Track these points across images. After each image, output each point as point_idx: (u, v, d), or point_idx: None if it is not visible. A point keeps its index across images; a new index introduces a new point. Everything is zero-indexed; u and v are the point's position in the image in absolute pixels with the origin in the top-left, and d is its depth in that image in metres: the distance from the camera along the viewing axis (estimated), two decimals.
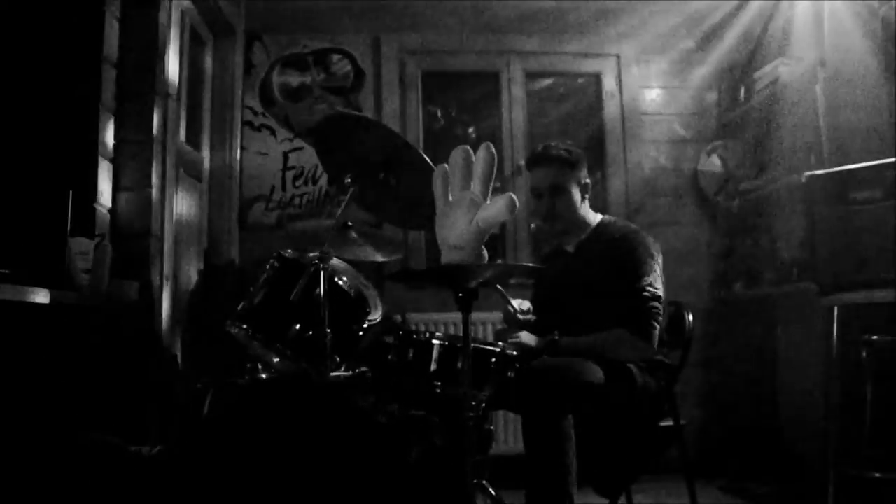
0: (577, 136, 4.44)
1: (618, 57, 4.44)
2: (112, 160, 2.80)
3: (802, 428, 3.56)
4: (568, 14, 4.42)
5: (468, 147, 1.87)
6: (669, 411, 2.60)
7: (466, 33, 4.39)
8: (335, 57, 4.36)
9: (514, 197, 1.68)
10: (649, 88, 4.46)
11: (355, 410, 1.98)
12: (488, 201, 1.84)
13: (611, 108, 4.44)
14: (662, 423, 2.61)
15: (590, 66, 4.49)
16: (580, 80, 4.64)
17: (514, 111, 4.42)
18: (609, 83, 4.45)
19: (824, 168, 3.16)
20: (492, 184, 1.85)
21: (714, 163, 4.26)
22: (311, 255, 2.38)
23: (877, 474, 2.86)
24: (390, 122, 4.19)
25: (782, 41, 3.87)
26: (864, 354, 3.02)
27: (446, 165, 1.89)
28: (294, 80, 4.31)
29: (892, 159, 2.90)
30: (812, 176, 3.04)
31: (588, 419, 2.35)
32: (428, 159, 2.31)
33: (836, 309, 2.93)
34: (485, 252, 1.85)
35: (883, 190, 2.81)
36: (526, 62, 4.46)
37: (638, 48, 4.43)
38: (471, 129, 4.79)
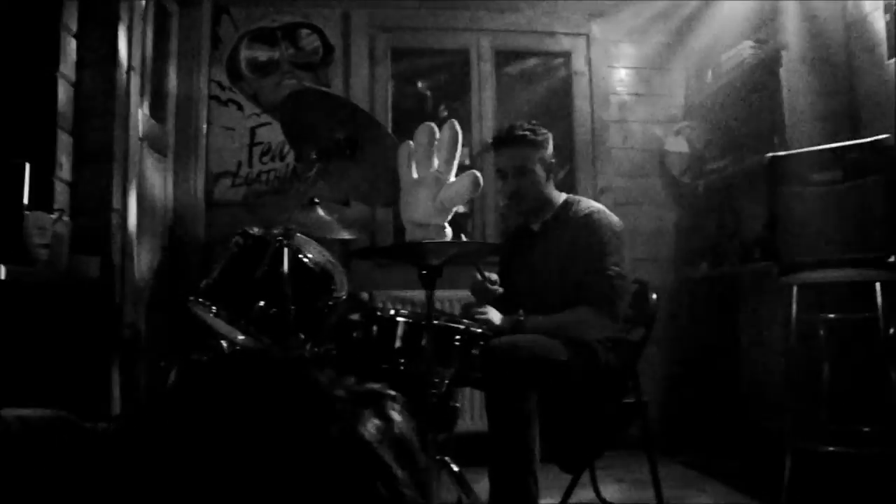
0: (546, 114, 4.44)
1: (587, 36, 4.45)
2: (72, 132, 2.73)
3: (764, 404, 3.63)
4: None
5: (433, 125, 1.87)
6: (632, 388, 2.64)
7: (437, 9, 4.37)
8: (304, 31, 4.31)
9: (478, 175, 1.69)
10: (618, 68, 4.47)
11: (313, 384, 1.98)
12: (452, 179, 1.84)
13: (580, 88, 4.45)
14: (625, 400, 2.65)
15: (560, 45, 4.49)
16: (550, 59, 4.64)
17: (484, 89, 4.42)
18: (578, 62, 4.46)
19: (787, 150, 3.20)
20: (456, 161, 1.86)
21: (680, 143, 4.29)
22: (276, 231, 2.37)
23: (832, 448, 2.92)
24: (359, 98, 4.16)
25: (748, 24, 3.90)
26: (822, 332, 3.09)
27: (411, 143, 1.89)
28: (262, 54, 4.26)
29: (852, 142, 2.95)
30: (774, 157, 3.07)
31: (551, 396, 2.38)
32: (394, 136, 2.30)
33: (795, 288, 2.98)
34: (448, 229, 1.86)
35: (842, 172, 2.85)
36: (496, 40, 4.44)
37: (607, 28, 4.44)
38: (442, 107, 4.78)
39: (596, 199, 4.19)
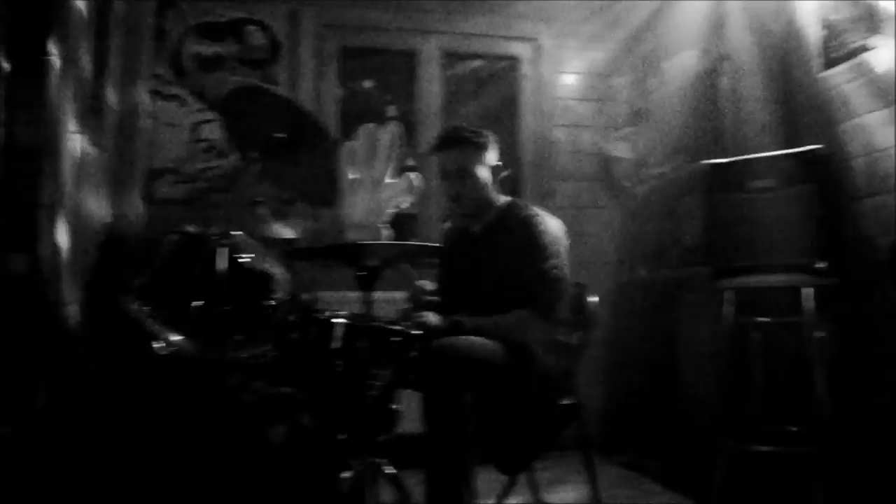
0: (493, 117, 4.48)
1: (534, 40, 4.49)
2: (4, 124, 2.64)
3: (699, 405, 3.70)
4: None
5: (373, 126, 1.87)
6: (570, 390, 2.67)
7: (386, 10, 4.36)
8: (251, 27, 4.26)
9: (416, 177, 1.69)
10: (564, 73, 4.53)
11: (221, 389, 1.98)
12: (392, 181, 1.85)
13: (526, 91, 4.49)
14: (563, 402, 2.68)
15: (507, 47, 4.53)
16: (498, 63, 4.68)
17: (431, 90, 4.43)
18: (525, 66, 4.51)
19: (726, 157, 3.27)
20: (397, 163, 1.86)
21: (624, 149, 4.36)
22: (213, 230, 2.35)
23: (762, 447, 3.01)
24: (306, 96, 4.14)
25: (692, 34, 3.97)
26: (754, 335, 3.18)
27: (352, 143, 1.89)
28: (208, 49, 4.20)
29: (787, 151, 3.03)
30: (712, 164, 3.14)
31: (489, 398, 2.39)
32: (335, 137, 2.30)
33: (728, 292, 3.06)
34: (386, 231, 1.86)
35: (777, 180, 2.93)
36: (444, 42, 4.46)
37: (555, 33, 4.50)
38: (391, 107, 4.77)
39: (541, 203, 4.25)
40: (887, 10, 3.02)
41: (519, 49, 4.52)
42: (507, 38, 4.50)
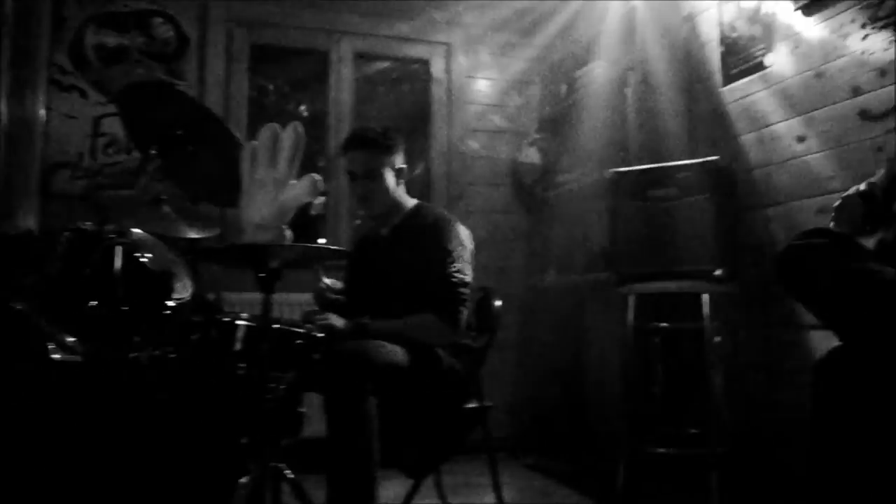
0: (404, 119, 4.48)
1: (447, 45, 4.51)
2: None
3: (604, 408, 3.78)
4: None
5: (276, 126, 1.84)
6: (475, 393, 2.69)
7: (299, 8, 4.30)
8: (157, 20, 4.13)
9: (318, 178, 1.67)
10: (476, 78, 4.56)
11: (115, 391, 1.92)
12: (295, 181, 1.82)
13: (438, 95, 4.51)
14: (468, 405, 2.69)
15: (419, 51, 4.53)
16: (410, 66, 4.68)
17: (342, 91, 4.39)
18: (437, 70, 4.52)
19: (630, 166, 3.36)
20: (298, 163, 1.83)
21: (533, 155, 4.41)
22: (111, 228, 2.26)
23: (662, 450, 3.09)
24: (214, 93, 4.05)
25: (601, 44, 4.06)
26: (655, 340, 3.27)
27: (254, 143, 1.85)
28: (111, 40, 4.05)
29: (686, 161, 3.14)
30: (616, 172, 3.22)
31: (393, 401, 2.38)
32: (237, 135, 2.25)
33: (631, 298, 3.14)
34: (288, 232, 1.83)
35: (677, 190, 3.03)
36: (356, 43, 4.43)
37: (467, 38, 4.53)
38: (303, 107, 4.72)
39: (450, 206, 4.27)
40: (781, 30, 3.16)
41: (431, 53, 4.53)
42: (419, 42, 4.50)
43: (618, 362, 3.48)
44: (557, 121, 4.40)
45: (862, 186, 1.59)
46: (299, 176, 1.84)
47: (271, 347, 2.15)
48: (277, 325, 2.28)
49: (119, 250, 2.18)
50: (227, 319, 2.32)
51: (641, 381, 3.29)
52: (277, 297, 3.63)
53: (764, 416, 3.08)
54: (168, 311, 2.49)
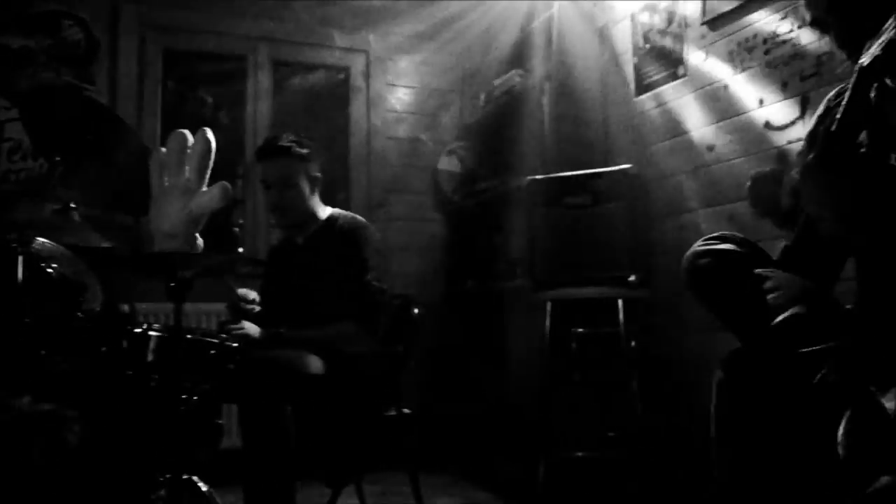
0: (322, 127, 4.45)
1: (367, 53, 4.50)
2: None
3: (525, 413, 3.82)
4: (320, 5, 4.40)
5: (185, 132, 1.79)
6: (394, 401, 2.68)
7: (215, 13, 4.23)
8: (66, 22, 3.99)
9: (228, 185, 1.63)
10: (396, 87, 4.57)
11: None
12: (205, 189, 1.78)
13: (357, 103, 4.49)
14: (388, 413, 2.68)
15: (339, 59, 4.51)
16: (329, 73, 4.65)
17: (260, 98, 4.33)
18: (357, 78, 4.50)
19: (547, 174, 3.41)
20: (208, 170, 1.79)
21: (453, 163, 4.44)
22: (13, 237, 2.17)
23: (581, 453, 3.14)
24: (126, 99, 3.94)
25: (519, 54, 4.12)
26: (573, 345, 3.32)
27: (163, 149, 1.80)
28: (15, 42, 3.88)
29: (600, 170, 3.21)
30: (532, 180, 3.27)
31: (311, 410, 2.36)
32: (145, 142, 2.19)
33: (548, 303, 3.18)
34: (200, 241, 1.79)
35: (591, 197, 3.09)
36: (274, 49, 4.38)
37: (387, 46, 4.53)
38: (222, 113, 4.63)
39: (370, 214, 4.25)
40: (691, 43, 3.27)
41: (351, 61, 4.51)
42: (339, 49, 4.47)
43: (537, 368, 3.52)
44: (476, 129, 4.44)
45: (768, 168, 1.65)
46: (210, 183, 1.80)
47: (185, 358, 2.10)
48: (191, 336, 2.22)
49: (23, 259, 2.09)
50: (138, 330, 2.25)
51: (560, 386, 3.34)
52: (193, 307, 3.63)
53: (680, 417, 3.16)
54: (76, 323, 2.40)
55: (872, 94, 1.42)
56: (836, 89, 1.64)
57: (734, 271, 1.39)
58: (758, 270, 1.38)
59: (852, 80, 1.39)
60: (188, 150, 1.75)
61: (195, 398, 2.19)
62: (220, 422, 2.59)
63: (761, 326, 1.36)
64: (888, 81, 1.49)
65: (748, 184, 1.70)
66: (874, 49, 1.33)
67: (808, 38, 2.70)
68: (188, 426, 2.21)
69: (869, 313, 1.33)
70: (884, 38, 1.31)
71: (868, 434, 1.21)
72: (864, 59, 1.36)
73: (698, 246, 1.46)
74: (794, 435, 1.35)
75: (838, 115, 1.37)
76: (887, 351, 1.28)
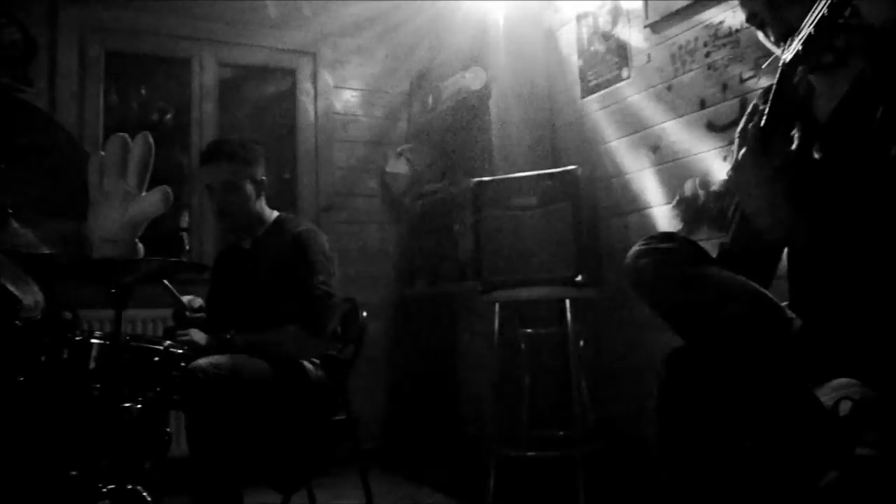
0: (270, 131, 4.41)
1: (314, 56, 4.47)
2: None
3: (476, 414, 3.83)
4: (267, 7, 4.36)
5: (125, 136, 1.77)
6: (343, 405, 2.67)
7: (158, 14, 4.15)
8: (1, 21, 3.88)
9: (169, 190, 1.62)
10: (344, 89, 4.55)
11: None
12: (145, 193, 1.75)
13: (305, 106, 4.46)
14: (337, 418, 2.67)
15: (286, 61, 4.47)
16: (276, 76, 4.61)
17: (205, 101, 4.27)
18: (305, 81, 4.47)
19: (495, 175, 3.43)
20: (148, 175, 1.76)
21: (401, 165, 4.43)
22: None
23: (531, 453, 3.16)
24: (66, 101, 3.85)
25: (467, 56, 4.13)
26: (522, 346, 3.35)
27: (102, 153, 1.77)
28: None
29: (546, 171, 3.23)
30: (479, 182, 3.28)
31: (259, 416, 2.34)
32: (83, 146, 2.15)
33: (497, 305, 3.20)
34: (140, 246, 1.76)
35: (538, 198, 3.12)
36: (220, 51, 4.31)
37: (335, 49, 4.50)
38: (168, 116, 4.55)
39: (319, 217, 4.23)
40: (635, 46, 3.32)
41: (298, 63, 4.48)
42: (286, 52, 4.43)
43: (488, 369, 3.54)
44: (424, 131, 4.44)
45: (697, 181, 1.69)
46: (150, 188, 1.78)
47: (128, 366, 2.07)
48: (134, 343, 2.19)
49: None
50: (79, 338, 2.21)
51: (510, 387, 3.36)
52: (138, 313, 3.57)
53: (628, 415, 3.20)
54: (13, 332, 2.33)
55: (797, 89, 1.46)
56: (764, 88, 1.69)
57: (675, 270, 1.41)
58: (695, 270, 1.40)
59: (776, 76, 1.42)
60: (128, 155, 1.73)
61: (139, 406, 2.15)
62: (168, 430, 2.56)
63: (702, 325, 1.38)
64: (810, 77, 1.54)
65: (676, 199, 1.73)
66: (795, 44, 1.37)
67: (746, 41, 2.77)
68: (134, 435, 2.17)
69: (801, 310, 1.36)
70: (803, 33, 1.35)
71: (807, 430, 1.24)
72: (787, 55, 1.40)
73: (639, 245, 1.47)
74: (737, 432, 1.37)
75: (765, 111, 1.41)
76: (820, 347, 1.32)
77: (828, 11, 1.29)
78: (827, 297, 1.45)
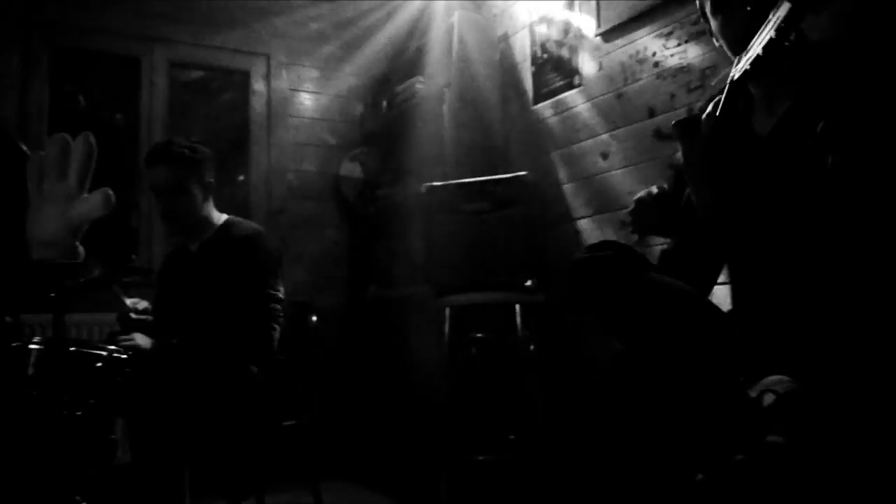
0: (221, 132, 4.36)
1: (268, 57, 4.43)
2: None
3: (430, 419, 3.83)
4: (219, 7, 4.31)
5: (66, 136, 1.73)
6: (293, 411, 2.65)
7: (106, 11, 4.06)
8: None
9: (110, 192, 1.59)
10: (299, 91, 4.52)
11: None
12: (86, 195, 1.72)
13: (258, 108, 4.41)
14: (286, 423, 2.64)
15: (239, 62, 4.42)
16: (229, 76, 4.56)
17: (156, 101, 4.20)
18: (258, 83, 4.43)
19: (449, 180, 3.44)
20: (90, 176, 1.73)
21: (355, 169, 4.42)
22: None
23: (482, 457, 3.17)
24: (8, 98, 3.75)
25: (421, 60, 4.14)
26: (473, 350, 3.36)
27: (42, 154, 1.73)
28: None
29: (497, 177, 3.25)
30: (431, 186, 3.29)
31: (205, 423, 2.30)
32: (23, 146, 2.09)
33: (448, 309, 3.21)
34: (81, 249, 1.73)
35: (489, 203, 3.13)
36: (171, 51, 4.25)
37: (288, 51, 4.47)
38: (119, 116, 4.46)
39: (271, 221, 4.19)
40: (587, 54, 3.36)
41: (251, 64, 4.43)
42: (239, 53, 4.38)
43: (439, 373, 3.54)
44: (379, 135, 4.43)
45: (654, 189, 1.72)
46: (99, 188, 1.74)
47: (69, 371, 2.02)
48: (75, 348, 2.14)
49: None
50: (16, 343, 2.15)
51: (462, 391, 3.36)
52: (81, 317, 3.49)
53: (578, 419, 3.23)
54: None
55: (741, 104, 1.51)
56: (711, 95, 1.73)
57: (614, 278, 1.43)
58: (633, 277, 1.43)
59: (724, 91, 1.47)
60: (69, 156, 1.69)
61: (79, 413, 2.10)
62: (114, 437, 2.51)
63: (639, 330, 1.41)
64: (753, 93, 1.59)
65: (631, 207, 1.76)
66: (744, 63, 1.41)
67: (693, 52, 2.82)
68: (76, 442, 2.12)
69: (742, 314, 1.40)
70: (751, 52, 1.39)
71: (725, 418, 1.29)
72: (735, 73, 1.44)
73: (580, 254, 1.50)
74: (672, 431, 1.40)
75: (717, 112, 1.46)
76: (757, 346, 1.36)
77: (775, 34, 1.33)
78: (764, 301, 1.49)
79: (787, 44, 1.34)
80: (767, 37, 1.35)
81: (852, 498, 1.23)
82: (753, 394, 1.26)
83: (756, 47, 1.38)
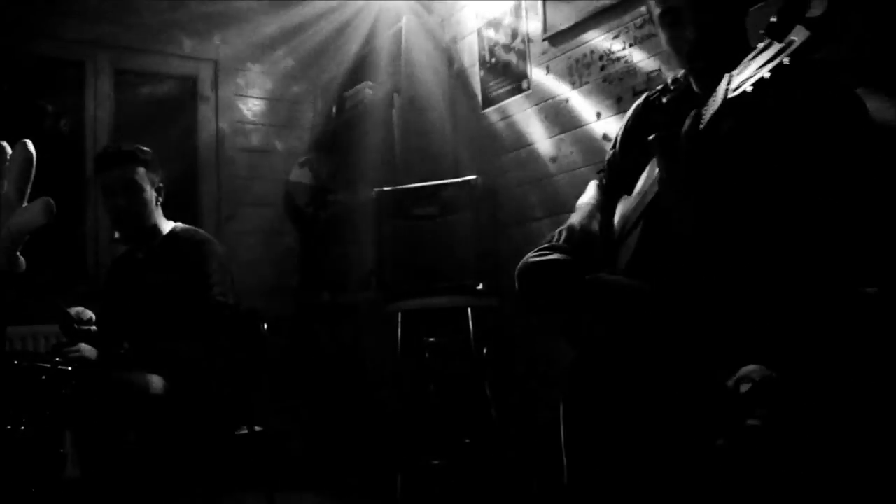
0: (171, 138, 4.29)
1: (215, 62, 4.39)
2: None
3: (384, 424, 3.82)
4: (166, 11, 4.25)
5: (3, 143, 1.70)
6: (245, 419, 2.62)
7: (48, 14, 3.97)
8: None
9: (51, 201, 1.56)
10: (247, 97, 4.48)
11: None
12: (26, 204, 1.68)
13: (206, 114, 4.37)
14: (240, 432, 2.62)
15: (186, 68, 4.37)
16: (176, 82, 4.49)
17: (101, 107, 4.12)
18: (205, 88, 4.38)
19: (399, 185, 3.44)
20: (30, 184, 1.70)
21: (305, 174, 4.39)
22: None
23: (437, 461, 3.18)
24: None
25: (369, 65, 4.14)
26: (427, 354, 3.36)
27: None
28: None
29: (448, 180, 3.27)
30: (380, 191, 3.29)
31: (155, 433, 2.27)
32: None
33: (399, 314, 3.21)
34: (21, 260, 1.69)
35: (439, 208, 3.15)
36: (116, 56, 4.17)
37: (236, 55, 4.43)
38: (63, 122, 4.36)
39: (221, 228, 4.15)
40: (534, 58, 3.40)
41: (198, 70, 4.38)
42: (186, 58, 4.33)
43: (392, 378, 3.54)
44: (328, 141, 4.41)
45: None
46: (41, 196, 1.71)
47: (12, 385, 1.98)
48: (17, 361, 2.09)
49: None
50: None
51: (416, 396, 3.36)
52: (24, 329, 3.41)
53: (535, 421, 3.25)
54: None
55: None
56: (645, 97, 1.76)
57: (561, 281, 1.45)
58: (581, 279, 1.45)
59: (716, 105, 1.43)
60: (6, 163, 1.65)
61: (24, 428, 2.06)
62: (62, 451, 2.46)
63: (588, 333, 1.43)
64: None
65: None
66: (744, 84, 1.37)
67: (639, 56, 2.87)
68: (23, 457, 2.07)
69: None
70: (750, 74, 1.35)
71: (704, 405, 1.32)
72: (729, 92, 1.40)
73: (528, 258, 1.51)
74: (635, 431, 1.43)
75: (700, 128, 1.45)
76: (731, 336, 1.39)
77: (789, 60, 1.29)
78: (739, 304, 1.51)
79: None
80: (777, 61, 1.30)
81: (828, 475, 1.28)
82: (730, 383, 1.30)
83: (762, 70, 1.33)
